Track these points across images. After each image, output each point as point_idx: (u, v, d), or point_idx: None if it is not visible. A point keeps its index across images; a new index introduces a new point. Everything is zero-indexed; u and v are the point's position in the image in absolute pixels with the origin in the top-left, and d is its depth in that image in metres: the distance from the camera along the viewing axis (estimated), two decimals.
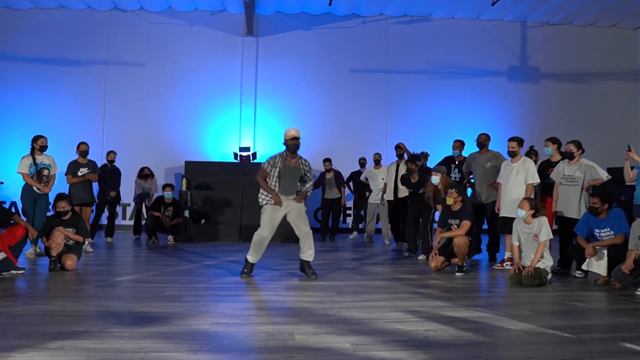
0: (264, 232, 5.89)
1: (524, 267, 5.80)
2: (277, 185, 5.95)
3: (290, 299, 4.91)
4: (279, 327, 3.87)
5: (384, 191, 9.03)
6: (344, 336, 3.62)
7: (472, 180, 7.93)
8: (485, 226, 7.94)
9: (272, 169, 5.96)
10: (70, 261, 6.27)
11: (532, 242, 5.92)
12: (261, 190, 5.99)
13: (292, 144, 5.98)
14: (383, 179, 9.45)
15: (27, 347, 3.27)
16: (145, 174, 10.46)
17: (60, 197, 6.68)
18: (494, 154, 7.78)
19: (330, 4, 11.65)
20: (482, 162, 7.72)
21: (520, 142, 6.97)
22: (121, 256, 8.09)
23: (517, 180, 6.82)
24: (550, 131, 10.26)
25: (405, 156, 8.47)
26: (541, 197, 7.24)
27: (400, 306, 4.56)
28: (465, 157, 8.21)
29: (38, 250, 7.35)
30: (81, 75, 12.28)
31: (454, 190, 6.73)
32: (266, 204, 5.96)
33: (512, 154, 6.94)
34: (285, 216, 5.99)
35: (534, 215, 5.94)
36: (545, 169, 7.20)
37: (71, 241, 6.52)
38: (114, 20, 12.43)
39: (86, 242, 7.97)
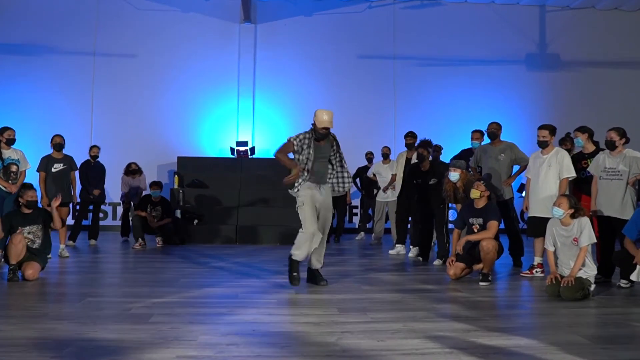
0: (310, 229, 5.02)
1: (561, 277, 4.89)
2: (308, 173, 5.09)
3: (281, 319, 4.03)
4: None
5: (392, 181, 8.13)
6: None
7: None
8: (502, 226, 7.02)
9: (300, 153, 5.11)
10: (31, 270, 5.39)
11: (570, 246, 4.98)
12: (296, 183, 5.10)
13: (324, 133, 5.17)
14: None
15: None
16: (132, 170, 9.63)
17: (26, 185, 5.85)
18: (507, 145, 6.90)
19: None
20: (495, 154, 6.85)
21: (552, 130, 6.04)
22: (100, 262, 7.25)
23: (549, 175, 5.89)
24: (571, 122, 9.35)
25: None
26: (575, 194, 6.30)
27: (418, 330, 3.65)
28: None
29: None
30: (68, 65, 11.54)
31: (481, 182, 5.80)
32: (299, 191, 5.09)
33: (543, 145, 6.01)
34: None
35: (573, 216, 5.01)
36: (577, 162, 6.25)
37: (35, 244, 5.66)
38: (102, 6, 11.69)
39: (62, 247, 7.17)
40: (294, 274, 5.04)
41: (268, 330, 3.70)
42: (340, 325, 3.76)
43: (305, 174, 5.08)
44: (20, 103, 11.26)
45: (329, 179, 5.32)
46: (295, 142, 5.12)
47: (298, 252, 5.04)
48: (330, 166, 5.32)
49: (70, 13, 11.59)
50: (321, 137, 5.15)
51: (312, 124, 5.17)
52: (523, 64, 12.39)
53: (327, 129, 5.14)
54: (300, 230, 5.08)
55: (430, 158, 7.21)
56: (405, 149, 8.05)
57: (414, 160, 7.58)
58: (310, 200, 5.07)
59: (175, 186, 9.86)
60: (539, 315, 4.40)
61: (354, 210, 11.66)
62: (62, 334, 3.51)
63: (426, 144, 7.08)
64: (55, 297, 4.87)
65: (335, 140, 5.34)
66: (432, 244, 7.59)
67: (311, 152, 5.09)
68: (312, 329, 3.68)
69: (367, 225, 10.43)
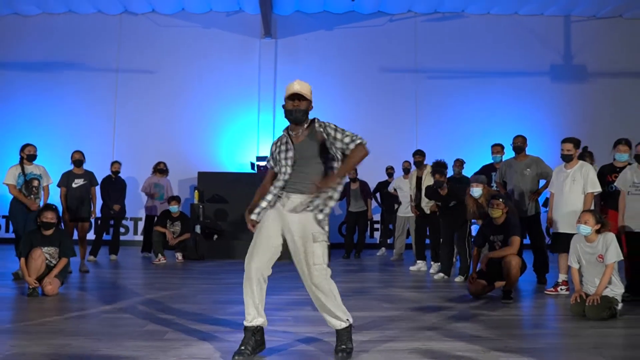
0: (250, 264, 3.29)
1: (587, 295, 4.72)
2: (288, 175, 3.38)
3: (297, 336, 3.94)
4: None
5: (412, 200, 8.05)
6: None
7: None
8: (526, 241, 6.84)
9: (275, 158, 3.51)
10: (50, 286, 5.43)
11: (596, 264, 4.81)
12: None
13: (292, 108, 3.38)
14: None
15: None
16: (160, 169, 9.71)
17: (47, 207, 5.90)
18: (533, 160, 6.74)
19: (353, 0, 10.77)
20: (520, 169, 6.69)
21: (577, 143, 5.89)
22: (119, 277, 7.26)
23: (573, 189, 5.73)
24: (600, 135, 9.23)
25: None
26: (601, 209, 6.12)
27: (436, 350, 3.54)
28: None
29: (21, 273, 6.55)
30: (91, 82, 11.74)
31: (500, 200, 5.66)
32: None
33: (568, 158, 5.85)
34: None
35: (598, 231, 4.85)
36: (606, 175, 6.08)
37: (54, 261, 5.70)
38: (125, 24, 11.88)
39: (82, 262, 7.23)
40: (242, 347, 3.27)
41: (283, 348, 3.63)
42: (357, 344, 3.66)
43: (284, 177, 3.39)
44: (44, 119, 11.49)
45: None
46: (270, 163, 3.60)
47: (247, 315, 3.33)
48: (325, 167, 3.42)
49: (93, 30, 11.83)
50: (294, 118, 3.39)
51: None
52: (548, 75, 12.20)
53: (299, 97, 3.35)
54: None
55: (447, 178, 7.08)
56: (415, 167, 8.01)
57: (425, 178, 7.52)
58: (266, 227, 3.35)
59: (196, 201, 9.87)
60: (563, 336, 4.24)
61: (375, 226, 11.53)
62: (76, 350, 3.50)
63: (441, 168, 6.95)
64: (73, 312, 4.87)
65: (331, 129, 3.43)
66: (454, 259, 7.45)
67: (290, 152, 3.40)
68: (327, 347, 3.59)
69: (388, 240, 10.30)
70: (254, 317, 3.31)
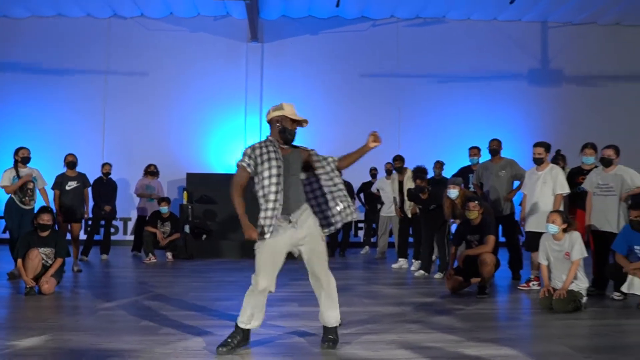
0: (261, 282, 3.54)
1: (554, 290, 5.07)
2: (279, 198, 3.47)
3: (284, 330, 4.23)
4: None
5: (396, 203, 8.38)
6: None
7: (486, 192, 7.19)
8: (502, 239, 7.19)
9: (259, 166, 3.51)
10: (47, 285, 5.66)
11: (563, 260, 5.17)
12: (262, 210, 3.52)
13: (293, 129, 3.67)
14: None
15: None
16: (151, 171, 9.94)
17: (43, 209, 6.12)
18: (507, 162, 7.09)
19: (337, 5, 11.04)
20: (496, 170, 7.04)
21: (547, 147, 6.25)
22: (111, 276, 7.50)
23: (544, 191, 6.09)
24: (576, 137, 9.55)
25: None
26: (570, 209, 6.50)
27: (412, 341, 3.86)
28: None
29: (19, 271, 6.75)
30: (81, 84, 11.83)
31: (476, 202, 6.00)
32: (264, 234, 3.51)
33: (539, 161, 6.21)
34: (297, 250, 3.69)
35: (565, 230, 5.21)
36: (575, 177, 6.46)
37: (50, 261, 5.92)
38: (114, 28, 12.00)
39: (75, 261, 7.44)
40: (229, 339, 3.55)
41: (271, 340, 3.92)
42: (340, 337, 3.96)
43: (275, 199, 3.46)
44: (34, 121, 11.53)
45: (316, 206, 3.72)
46: (246, 161, 3.55)
47: (244, 317, 3.58)
48: (308, 187, 3.74)
49: (82, 33, 11.90)
50: (290, 137, 3.64)
51: (275, 122, 3.67)
52: (525, 79, 12.52)
53: (297, 121, 3.64)
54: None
55: (427, 181, 7.41)
56: (396, 172, 8.36)
57: (406, 182, 7.87)
58: (273, 244, 3.53)
59: (185, 202, 10.09)
60: (531, 327, 4.59)
61: (359, 225, 11.83)
62: (77, 344, 3.76)
63: (421, 174, 7.28)
64: (70, 310, 5.11)
65: (306, 151, 3.73)
66: (434, 258, 7.78)
67: (279, 164, 3.49)
68: (312, 340, 3.89)
69: (372, 239, 10.60)
70: (249, 321, 3.60)
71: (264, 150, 3.54)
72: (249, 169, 3.53)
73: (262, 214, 3.48)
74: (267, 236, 3.48)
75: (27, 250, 5.83)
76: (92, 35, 11.95)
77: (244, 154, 3.55)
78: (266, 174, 3.47)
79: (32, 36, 11.86)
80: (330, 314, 3.69)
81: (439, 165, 9.12)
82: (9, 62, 11.79)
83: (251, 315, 3.58)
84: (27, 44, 11.83)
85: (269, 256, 3.53)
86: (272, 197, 3.45)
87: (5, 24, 11.85)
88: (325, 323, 3.72)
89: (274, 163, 3.48)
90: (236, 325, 3.62)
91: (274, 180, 3.46)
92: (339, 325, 3.79)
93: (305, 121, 3.68)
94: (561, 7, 11.77)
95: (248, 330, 3.63)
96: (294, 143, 3.74)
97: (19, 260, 5.80)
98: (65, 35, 11.89)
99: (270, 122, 3.69)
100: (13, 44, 11.82)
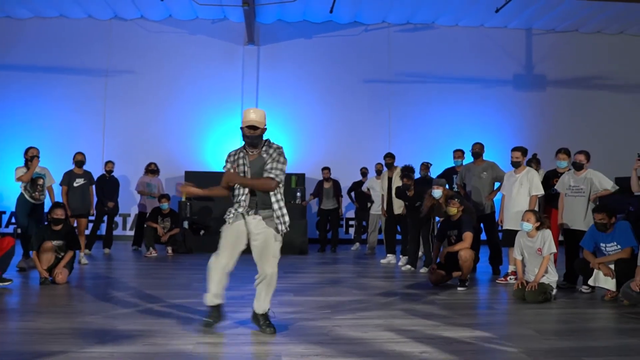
0: (221, 257, 4.20)
1: (527, 282, 5.59)
2: (247, 196, 4.06)
3: (282, 315, 4.71)
4: (267, 347, 3.69)
5: (383, 202, 8.86)
6: (334, 358, 3.44)
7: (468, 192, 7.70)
8: (483, 237, 7.70)
9: (232, 164, 4.15)
10: (61, 275, 6.11)
11: (535, 256, 5.70)
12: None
13: (250, 134, 4.02)
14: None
15: None
16: (152, 170, 10.36)
17: (56, 204, 6.55)
18: (489, 164, 7.60)
19: (331, 11, 11.51)
20: (478, 172, 7.54)
21: (524, 152, 6.77)
22: (116, 268, 7.92)
23: (520, 192, 6.61)
24: (558, 140, 10.06)
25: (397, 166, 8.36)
26: (545, 208, 7.03)
27: (396, 325, 4.36)
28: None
29: (29, 264, 7.18)
30: (82, 84, 12.17)
31: (456, 200, 6.51)
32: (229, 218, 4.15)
33: (516, 165, 6.73)
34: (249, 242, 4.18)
35: (538, 228, 5.73)
36: (550, 179, 7.00)
37: (62, 253, 6.36)
38: (115, 29, 12.35)
39: (81, 255, 7.86)
40: (207, 318, 4.18)
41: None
42: (332, 320, 4.46)
43: (243, 196, 4.06)
44: (36, 121, 11.83)
45: (268, 209, 4.09)
46: (227, 166, 4.16)
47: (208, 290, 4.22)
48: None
49: (84, 34, 12.23)
50: (250, 142, 4.03)
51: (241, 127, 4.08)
52: (511, 84, 13.02)
53: (254, 127, 3.97)
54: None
55: (414, 180, 7.90)
56: (386, 169, 8.80)
57: (395, 178, 8.35)
58: (236, 228, 4.10)
59: (183, 199, 10.51)
60: (503, 314, 5.10)
61: (350, 222, 12.31)
62: (99, 326, 4.22)
63: (408, 172, 7.77)
64: (85, 297, 5.55)
65: (274, 150, 4.07)
66: (421, 254, 8.28)
67: (245, 167, 4.06)
68: (307, 323, 4.37)
69: (362, 236, 11.07)
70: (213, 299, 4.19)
71: (236, 157, 4.14)
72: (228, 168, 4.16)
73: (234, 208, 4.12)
74: (229, 222, 4.11)
75: (42, 243, 6.27)
76: (93, 36, 12.28)
77: (226, 160, 4.21)
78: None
79: (34, 36, 12.18)
80: (263, 303, 4.18)
81: (425, 166, 9.63)
82: (11, 61, 12.10)
83: (214, 295, 4.18)
84: (29, 44, 12.14)
85: (230, 235, 4.13)
86: (236, 192, 4.12)
87: (8, 24, 12.15)
88: (257, 310, 4.20)
89: (240, 168, 4.09)
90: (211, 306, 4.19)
91: (240, 191, 4.10)
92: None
93: (258, 125, 3.99)
94: (545, 16, 12.26)
95: (217, 306, 4.19)
96: (275, 143, 4.15)
97: (34, 252, 6.23)
98: (67, 36, 12.19)
99: None
100: (16, 43, 12.12)
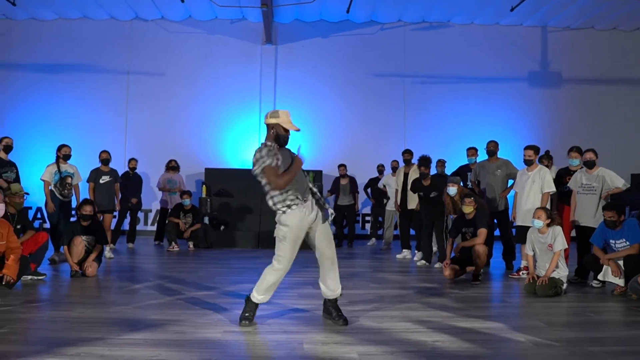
0: (286, 265, 4.16)
1: (538, 277, 5.77)
2: (293, 190, 4.08)
3: (303, 307, 4.96)
4: (289, 336, 3.93)
5: (397, 197, 9.06)
6: (352, 346, 3.66)
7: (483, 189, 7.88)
8: (496, 233, 7.87)
9: (278, 162, 4.03)
10: (91, 268, 6.42)
11: (546, 251, 5.87)
12: (276, 198, 4.09)
13: (286, 137, 4.20)
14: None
15: (44, 353, 3.38)
16: (172, 166, 10.68)
17: (85, 201, 6.86)
18: (503, 162, 7.75)
19: (348, 11, 11.71)
20: (492, 170, 7.69)
21: (536, 150, 6.93)
22: (141, 262, 8.23)
23: (533, 189, 6.78)
24: (573, 138, 10.18)
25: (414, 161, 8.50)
26: (558, 205, 7.19)
27: (412, 316, 4.58)
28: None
29: (60, 257, 7.52)
30: (104, 84, 12.52)
31: (472, 199, 6.70)
32: (284, 215, 4.10)
33: (529, 163, 6.89)
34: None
35: (549, 225, 5.90)
36: (563, 176, 7.15)
37: (91, 247, 6.67)
38: (136, 29, 12.68)
39: (107, 249, 8.17)
40: (247, 314, 4.22)
41: (292, 315, 4.65)
42: (350, 312, 4.68)
43: (294, 191, 4.08)
44: (60, 119, 12.22)
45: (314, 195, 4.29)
46: (270, 158, 3.99)
47: (261, 296, 4.22)
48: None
49: (106, 35, 12.59)
50: (284, 142, 4.19)
51: (271, 128, 4.15)
52: (526, 81, 13.11)
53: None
54: (271, 265, 4.17)
55: (431, 173, 8.09)
56: (404, 164, 8.97)
57: (411, 174, 8.52)
58: (297, 231, 4.10)
59: (203, 195, 10.82)
60: (514, 307, 5.29)
61: (366, 218, 12.53)
62: (131, 315, 4.50)
63: (426, 162, 7.95)
64: (113, 289, 5.84)
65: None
66: (435, 250, 8.46)
67: (286, 161, 4.11)
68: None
69: (378, 232, 11.28)
70: (262, 296, 4.26)
71: (272, 152, 4.01)
72: (274, 164, 3.97)
73: (284, 200, 4.06)
74: (281, 208, 4.07)
75: (72, 238, 6.59)
76: (115, 37, 12.62)
77: (262, 155, 3.97)
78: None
79: (58, 37, 12.54)
80: (336, 287, 4.35)
81: (441, 163, 9.82)
82: (36, 61, 12.47)
83: (265, 291, 4.22)
84: (53, 45, 12.50)
85: (292, 243, 4.12)
86: (292, 193, 4.07)
87: (33, 25, 12.53)
88: (331, 296, 4.34)
89: (281, 161, 4.01)
90: (249, 300, 4.27)
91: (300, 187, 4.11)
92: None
93: (297, 129, 4.12)
94: (560, 13, 12.33)
95: (257, 304, 4.29)
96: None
97: (65, 247, 6.55)
98: (90, 37, 12.56)
99: (267, 125, 4.19)
100: (40, 44, 12.49)
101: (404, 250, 8.89)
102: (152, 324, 4.17)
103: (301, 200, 4.07)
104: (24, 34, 12.54)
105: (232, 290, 5.73)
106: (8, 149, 7.63)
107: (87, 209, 6.71)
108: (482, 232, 6.49)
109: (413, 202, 8.50)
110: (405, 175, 8.78)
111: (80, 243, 6.57)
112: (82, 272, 6.42)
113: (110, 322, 4.26)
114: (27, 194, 6.58)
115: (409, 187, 8.48)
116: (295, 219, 4.07)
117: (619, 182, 6.37)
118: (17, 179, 7.46)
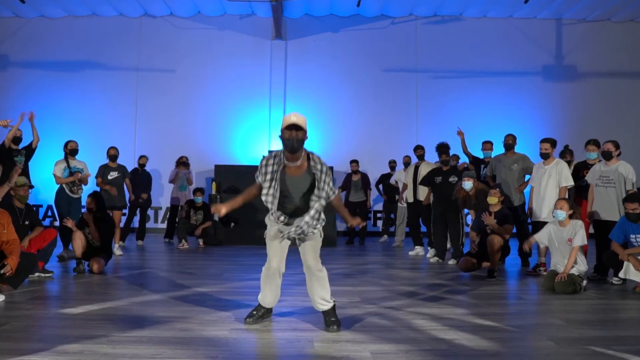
0: (272, 263, 4.05)
1: (556, 273, 5.59)
2: (274, 204, 3.82)
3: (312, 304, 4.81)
4: (299, 333, 3.80)
5: (403, 190, 8.93)
6: (364, 344, 3.52)
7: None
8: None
9: (264, 177, 3.79)
10: (97, 265, 6.32)
11: (565, 245, 5.68)
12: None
13: (289, 137, 3.60)
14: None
15: (46, 350, 3.27)
16: (183, 162, 10.61)
17: (89, 195, 6.78)
18: (520, 156, 7.55)
19: (358, 5, 11.55)
20: (508, 164, 7.50)
21: (553, 143, 6.73)
22: (150, 259, 8.15)
23: (549, 184, 6.59)
24: (589, 131, 9.95)
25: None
26: (576, 200, 6.98)
27: (426, 313, 4.43)
28: None
29: (69, 254, 7.45)
30: (114, 81, 12.50)
31: (497, 189, 6.55)
32: (266, 220, 4.04)
33: (545, 156, 6.70)
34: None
35: (570, 217, 5.70)
36: (580, 170, 6.93)
37: (97, 243, 6.57)
38: (145, 26, 12.63)
39: (116, 246, 8.09)
40: (253, 312, 4.14)
41: (301, 312, 4.51)
42: (362, 309, 4.55)
43: (271, 202, 3.83)
44: (70, 115, 12.23)
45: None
46: (258, 172, 3.82)
47: (261, 295, 4.16)
48: (314, 197, 3.81)
49: (115, 32, 12.56)
50: (291, 146, 3.61)
51: (280, 136, 3.72)
52: (540, 75, 12.89)
53: (296, 127, 3.55)
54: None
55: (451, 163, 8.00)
56: (417, 160, 8.85)
57: (422, 168, 8.37)
58: (272, 233, 3.99)
59: (213, 192, 10.72)
60: (532, 305, 5.12)
61: (378, 215, 12.37)
62: (139, 312, 4.39)
63: (446, 149, 7.86)
64: (121, 286, 5.75)
65: (320, 164, 3.75)
66: (448, 246, 8.30)
67: (276, 180, 3.74)
68: (338, 311, 4.44)
69: (390, 228, 11.13)
70: (264, 299, 4.13)
71: (270, 163, 3.78)
72: (257, 180, 3.84)
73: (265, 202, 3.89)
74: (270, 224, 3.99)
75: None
76: (124, 34, 12.59)
77: (259, 166, 3.85)
78: (266, 184, 3.79)
79: (67, 34, 12.54)
80: (319, 299, 4.02)
81: (455, 158, 9.60)
82: (46, 58, 12.48)
83: (263, 290, 4.12)
84: (63, 42, 12.52)
85: (275, 240, 4.01)
86: (269, 204, 3.87)
87: (43, 23, 12.54)
88: (317, 308, 4.06)
89: (272, 179, 3.76)
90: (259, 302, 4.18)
91: (270, 194, 3.80)
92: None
93: (302, 125, 3.60)
94: (575, 5, 12.09)
95: (259, 304, 4.16)
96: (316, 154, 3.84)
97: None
98: (99, 34, 12.55)
99: None
100: (50, 41, 12.51)
101: (416, 247, 8.73)
102: (158, 321, 4.06)
103: (271, 212, 3.92)
104: (33, 31, 12.54)
105: (241, 287, 5.61)
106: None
107: (87, 201, 6.64)
108: (508, 228, 6.38)
109: (422, 194, 8.37)
110: (416, 169, 8.64)
111: (80, 237, 6.44)
112: (89, 269, 6.33)
113: (115, 319, 4.15)
114: (32, 187, 6.47)
115: (418, 181, 8.37)
116: (269, 223, 4.05)
117: (629, 182, 6.17)
118: (26, 170, 7.37)
